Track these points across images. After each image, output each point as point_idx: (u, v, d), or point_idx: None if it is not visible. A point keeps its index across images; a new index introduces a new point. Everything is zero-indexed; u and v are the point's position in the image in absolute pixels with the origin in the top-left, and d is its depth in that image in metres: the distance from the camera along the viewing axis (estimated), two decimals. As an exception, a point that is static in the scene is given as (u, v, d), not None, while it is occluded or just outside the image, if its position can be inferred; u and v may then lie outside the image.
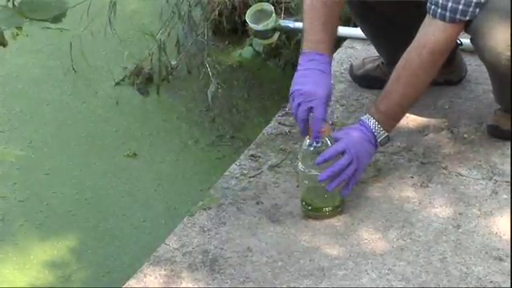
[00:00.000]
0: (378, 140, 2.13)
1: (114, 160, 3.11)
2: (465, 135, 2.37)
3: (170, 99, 3.48)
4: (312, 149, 2.08)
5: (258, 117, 3.31)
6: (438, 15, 2.09)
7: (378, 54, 2.62)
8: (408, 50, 2.14)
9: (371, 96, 2.55)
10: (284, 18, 3.14)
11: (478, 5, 2.07)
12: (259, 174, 2.29)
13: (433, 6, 2.10)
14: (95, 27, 3.58)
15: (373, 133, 2.13)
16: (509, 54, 2.07)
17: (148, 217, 2.83)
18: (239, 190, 2.23)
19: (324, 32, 2.16)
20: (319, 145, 2.08)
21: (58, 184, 2.98)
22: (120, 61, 3.61)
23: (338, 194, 2.11)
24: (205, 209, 2.17)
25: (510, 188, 2.16)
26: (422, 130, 2.40)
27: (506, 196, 2.14)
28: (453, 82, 2.57)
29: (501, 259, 1.95)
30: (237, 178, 2.28)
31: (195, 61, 3.58)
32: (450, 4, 2.07)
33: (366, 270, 1.95)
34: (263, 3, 2.85)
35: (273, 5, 2.98)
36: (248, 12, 2.77)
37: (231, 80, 3.55)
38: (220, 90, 3.36)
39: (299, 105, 2.10)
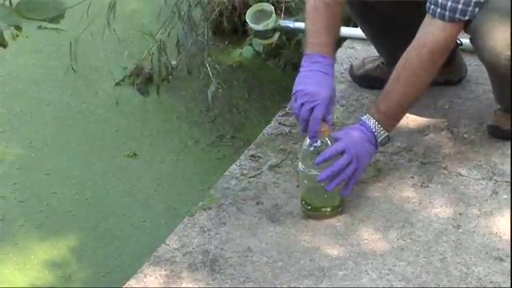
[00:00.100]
0: (379, 140, 2.14)
1: (114, 160, 3.11)
2: (465, 135, 2.37)
3: (170, 99, 3.48)
4: (312, 149, 2.08)
5: (258, 117, 3.31)
6: (437, 14, 2.09)
7: (377, 54, 2.62)
8: (408, 49, 2.14)
9: (371, 96, 2.55)
10: (284, 18, 3.14)
11: (477, 4, 2.07)
12: (259, 174, 2.29)
13: (432, 6, 2.10)
14: (95, 27, 3.58)
15: (373, 133, 2.13)
16: (508, 53, 2.07)
17: (148, 217, 2.83)
18: (239, 190, 2.23)
19: (327, 34, 2.17)
20: (319, 145, 2.08)
21: (58, 184, 2.98)
22: (120, 61, 3.62)
23: (337, 194, 2.11)
24: (205, 209, 2.17)
25: (510, 188, 2.16)
26: (422, 130, 2.40)
27: (506, 196, 2.14)
28: (453, 82, 2.57)
29: (501, 259, 1.95)
30: (237, 178, 2.28)
31: (195, 61, 3.58)
32: (449, 3, 2.07)
33: (366, 270, 1.95)
34: (263, 3, 2.85)
35: (273, 5, 2.98)
36: (248, 12, 2.77)
37: (231, 80, 3.55)
38: (220, 90, 3.36)
39: (302, 105, 2.10)
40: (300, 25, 2.89)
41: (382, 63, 2.58)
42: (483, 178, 2.21)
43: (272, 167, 2.31)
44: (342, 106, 2.53)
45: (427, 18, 2.12)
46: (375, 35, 2.57)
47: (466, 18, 2.09)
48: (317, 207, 2.11)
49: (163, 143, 3.21)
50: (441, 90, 2.52)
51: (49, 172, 3.04)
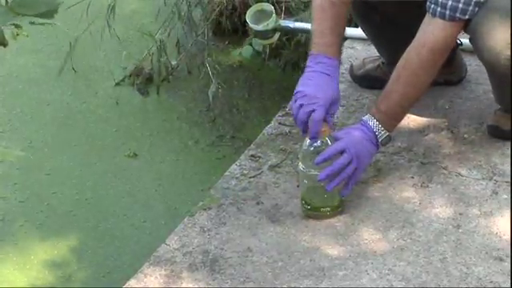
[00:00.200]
0: (380, 140, 2.13)
1: (114, 160, 3.11)
2: (465, 135, 2.37)
3: (170, 99, 3.48)
4: (312, 149, 2.08)
5: (258, 117, 3.31)
6: (437, 14, 2.09)
7: (378, 54, 2.62)
8: (408, 49, 2.14)
9: (371, 96, 2.55)
10: (284, 18, 3.14)
11: (477, 4, 2.07)
12: (259, 174, 2.29)
13: (432, 5, 2.10)
14: (95, 27, 3.58)
15: (374, 133, 2.13)
16: (508, 53, 2.07)
17: (148, 217, 2.83)
18: (239, 190, 2.23)
19: (332, 35, 2.17)
20: (319, 144, 2.08)
21: (59, 184, 2.98)
22: (120, 61, 3.61)
23: (337, 194, 2.11)
24: (205, 209, 2.17)
25: (510, 188, 2.16)
26: (422, 130, 2.40)
27: (506, 196, 2.14)
28: (453, 82, 2.57)
29: (501, 259, 1.95)
30: (237, 178, 2.28)
31: (195, 61, 3.58)
32: (450, 2, 2.07)
33: (367, 270, 1.95)
34: (263, 3, 2.85)
35: (273, 5, 2.98)
36: (248, 12, 2.77)
37: (231, 80, 3.55)
38: (220, 90, 3.36)
39: (301, 106, 2.10)
40: (300, 25, 2.89)
41: (383, 63, 2.58)
42: (483, 178, 2.21)
43: (272, 167, 2.31)
44: (342, 106, 2.53)
45: (427, 18, 2.12)
46: (376, 35, 2.57)
47: (466, 17, 2.09)
48: (317, 207, 2.11)
49: (163, 143, 3.21)
50: (441, 89, 2.52)
51: (49, 172, 3.04)
